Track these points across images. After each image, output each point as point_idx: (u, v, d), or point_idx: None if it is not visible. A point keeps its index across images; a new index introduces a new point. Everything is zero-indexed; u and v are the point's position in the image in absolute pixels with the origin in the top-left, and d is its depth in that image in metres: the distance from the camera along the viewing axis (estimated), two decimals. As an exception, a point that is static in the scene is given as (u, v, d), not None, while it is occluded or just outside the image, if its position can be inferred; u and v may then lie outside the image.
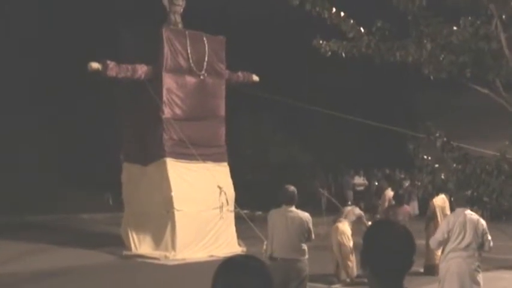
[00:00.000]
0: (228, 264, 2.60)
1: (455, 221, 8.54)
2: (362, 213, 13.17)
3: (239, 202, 15.68)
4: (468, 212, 8.53)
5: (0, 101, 22.96)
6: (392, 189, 15.63)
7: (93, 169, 23.93)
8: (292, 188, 9.15)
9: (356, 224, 12.91)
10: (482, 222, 8.54)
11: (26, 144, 23.64)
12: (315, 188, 22.92)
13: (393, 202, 14.03)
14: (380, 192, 18.55)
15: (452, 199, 11.38)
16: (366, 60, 8.34)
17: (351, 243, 12.36)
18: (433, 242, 9.02)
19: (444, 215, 13.16)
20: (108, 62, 14.47)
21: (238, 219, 15.68)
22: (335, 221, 12.92)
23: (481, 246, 8.42)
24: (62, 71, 24.17)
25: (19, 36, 25.04)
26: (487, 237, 8.46)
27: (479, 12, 7.43)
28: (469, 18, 7.38)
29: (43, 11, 25.86)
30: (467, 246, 8.38)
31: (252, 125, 27.05)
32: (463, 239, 8.41)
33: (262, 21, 26.61)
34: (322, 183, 26.28)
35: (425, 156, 7.75)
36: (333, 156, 29.15)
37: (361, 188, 26.44)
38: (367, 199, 19.71)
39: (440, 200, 13.71)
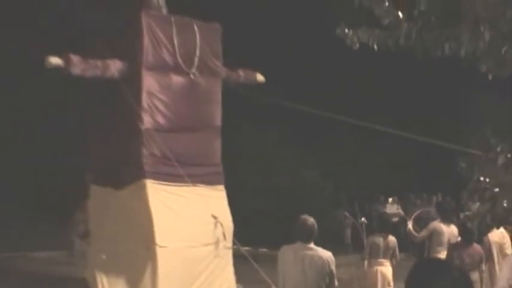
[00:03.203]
0: None
1: (521, 262, 8.46)
2: (396, 242, 13.28)
3: (239, 236, 15.54)
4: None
5: None
6: (443, 221, 15.19)
7: (49, 194, 23.91)
8: (311, 220, 9.22)
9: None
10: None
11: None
12: (341, 216, 22.83)
13: (458, 239, 13.80)
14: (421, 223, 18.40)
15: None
16: (404, 54, 8.33)
17: None
18: (495, 293, 8.95)
19: (503, 255, 13.10)
20: (72, 56, 14.27)
21: (238, 259, 15.56)
22: (369, 260, 12.95)
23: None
24: (12, 73, 24.29)
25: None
26: None
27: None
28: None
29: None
30: (538, 294, 8.28)
31: (255, 138, 27.04)
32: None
33: (269, 5, 26.64)
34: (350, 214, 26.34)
35: (482, 178, 7.71)
36: (358, 179, 29.21)
37: (395, 219, 26.38)
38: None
39: (498, 235, 13.63)
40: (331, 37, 8.83)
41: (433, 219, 15.93)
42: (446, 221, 14.98)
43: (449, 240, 14.34)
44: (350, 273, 14.94)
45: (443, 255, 13.36)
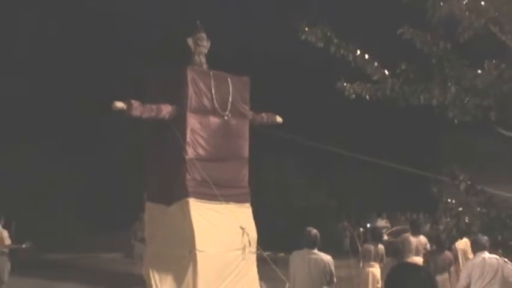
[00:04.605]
0: None
1: (474, 265, 8.51)
2: (383, 249, 13.36)
3: (261, 243, 15.59)
4: (487, 255, 8.49)
5: (22, 139, 23.35)
6: (413, 234, 15.25)
7: (114, 209, 24.05)
8: (314, 231, 9.24)
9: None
10: (506, 266, 8.45)
11: (49, 182, 23.86)
12: (341, 228, 22.87)
13: (427, 246, 13.86)
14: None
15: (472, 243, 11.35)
16: (390, 103, 8.41)
17: None
18: (456, 290, 8.98)
19: (466, 258, 13.09)
20: (133, 101, 14.39)
21: (260, 261, 15.58)
22: (362, 263, 12.98)
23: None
24: (78, 107, 24.54)
25: (43, 81, 25.56)
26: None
27: (503, 55, 7.50)
28: (493, 61, 7.45)
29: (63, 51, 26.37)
30: (487, 291, 8.29)
31: (275, 167, 27.09)
32: (482, 283, 8.35)
33: (287, 62, 26.85)
34: (348, 226, 26.31)
35: (449, 200, 7.76)
36: (356, 200, 29.17)
37: (384, 231, 26.34)
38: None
39: (463, 244, 13.60)
40: (333, 89, 8.94)
41: (407, 232, 16.05)
42: (416, 233, 15.07)
43: (417, 247, 14.47)
44: (348, 273, 14.93)
45: (411, 259, 13.53)
